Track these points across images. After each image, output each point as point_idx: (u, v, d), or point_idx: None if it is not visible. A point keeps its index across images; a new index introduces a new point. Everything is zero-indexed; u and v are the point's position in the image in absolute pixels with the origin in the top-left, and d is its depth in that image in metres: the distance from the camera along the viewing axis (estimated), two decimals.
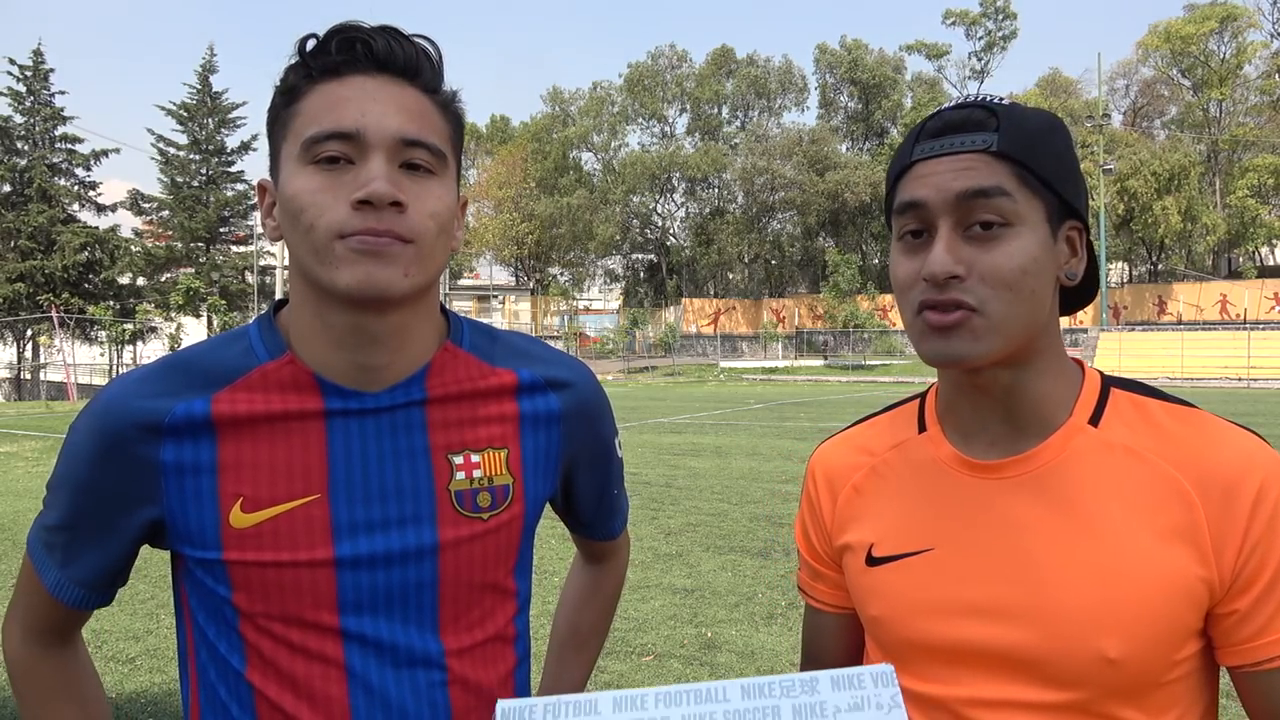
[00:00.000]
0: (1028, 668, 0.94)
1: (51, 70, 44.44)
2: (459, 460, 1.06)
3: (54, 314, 37.52)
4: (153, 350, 41.10)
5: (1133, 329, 42.00)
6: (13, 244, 42.34)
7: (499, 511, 1.08)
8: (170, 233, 46.98)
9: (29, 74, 43.72)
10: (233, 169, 48.49)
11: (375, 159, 0.95)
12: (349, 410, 1.03)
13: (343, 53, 0.97)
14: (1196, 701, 0.97)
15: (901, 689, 0.89)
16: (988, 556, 1.00)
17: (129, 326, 39.14)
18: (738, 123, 58.69)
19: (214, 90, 47.89)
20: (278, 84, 1.01)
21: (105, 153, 45.67)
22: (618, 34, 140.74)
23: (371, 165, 0.94)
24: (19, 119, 43.74)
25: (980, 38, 54.88)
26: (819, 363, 45.67)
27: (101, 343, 40.87)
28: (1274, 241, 49.11)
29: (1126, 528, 0.94)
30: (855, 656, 1.19)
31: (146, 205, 47.48)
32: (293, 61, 0.99)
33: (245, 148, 48.60)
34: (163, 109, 47.49)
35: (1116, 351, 36.93)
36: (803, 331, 49.54)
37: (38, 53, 44.11)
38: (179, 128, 47.80)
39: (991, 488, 1.02)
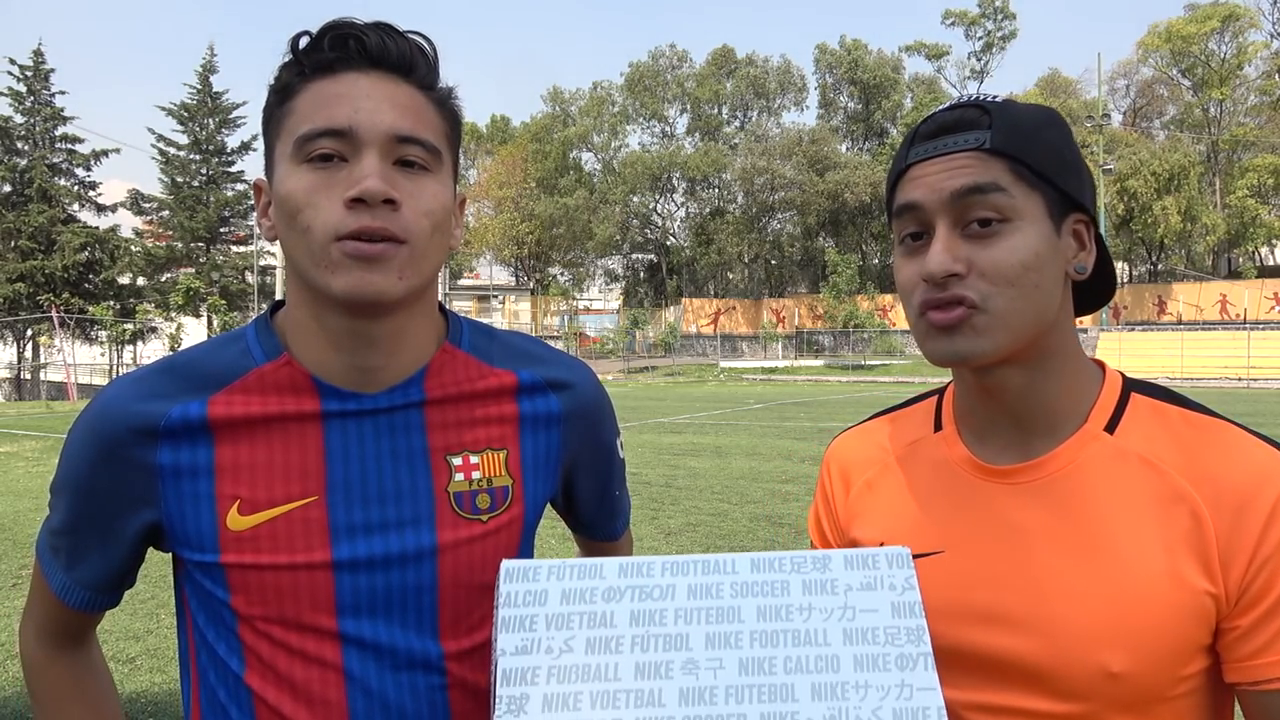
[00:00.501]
0: (1030, 677, 0.93)
1: (52, 70, 44.45)
2: (458, 462, 1.05)
3: (54, 314, 37.49)
4: (153, 350, 41.07)
5: (1132, 329, 41.99)
6: (13, 244, 42.32)
7: (498, 513, 1.07)
8: (170, 233, 46.96)
9: (29, 74, 43.70)
10: (233, 169, 48.48)
11: (368, 156, 0.94)
12: (346, 412, 1.02)
13: (335, 49, 0.96)
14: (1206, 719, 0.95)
15: None
16: (995, 563, 0.99)
17: (129, 326, 39.12)
18: (737, 123, 58.67)
19: (214, 90, 47.87)
20: (271, 83, 1.00)
21: (105, 153, 45.66)
22: (618, 34, 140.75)
23: (364, 162, 0.93)
24: (19, 119, 43.73)
25: (980, 38, 54.87)
26: (819, 363, 45.65)
27: (102, 343, 40.85)
28: (1274, 241, 49.07)
29: (1135, 540, 0.92)
30: None
31: (147, 205, 47.47)
32: (286, 59, 0.99)
33: (246, 148, 48.56)
34: (163, 109, 47.56)
35: (1116, 351, 36.87)
36: (803, 331, 49.50)
37: (38, 53, 44.10)
38: (179, 128, 47.79)
39: (1002, 492, 1.01)
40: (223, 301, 41.47)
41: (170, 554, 1.07)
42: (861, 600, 0.87)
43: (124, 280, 46.18)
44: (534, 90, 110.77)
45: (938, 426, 1.11)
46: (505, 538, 1.08)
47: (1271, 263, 51.19)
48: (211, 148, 48.02)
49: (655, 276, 59.88)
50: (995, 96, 0.98)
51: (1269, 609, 0.88)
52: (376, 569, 1.01)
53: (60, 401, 29.85)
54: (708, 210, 55.70)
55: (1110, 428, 0.98)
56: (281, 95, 0.98)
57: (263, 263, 44.87)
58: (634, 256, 60.91)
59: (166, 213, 47.18)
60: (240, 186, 48.59)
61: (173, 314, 40.44)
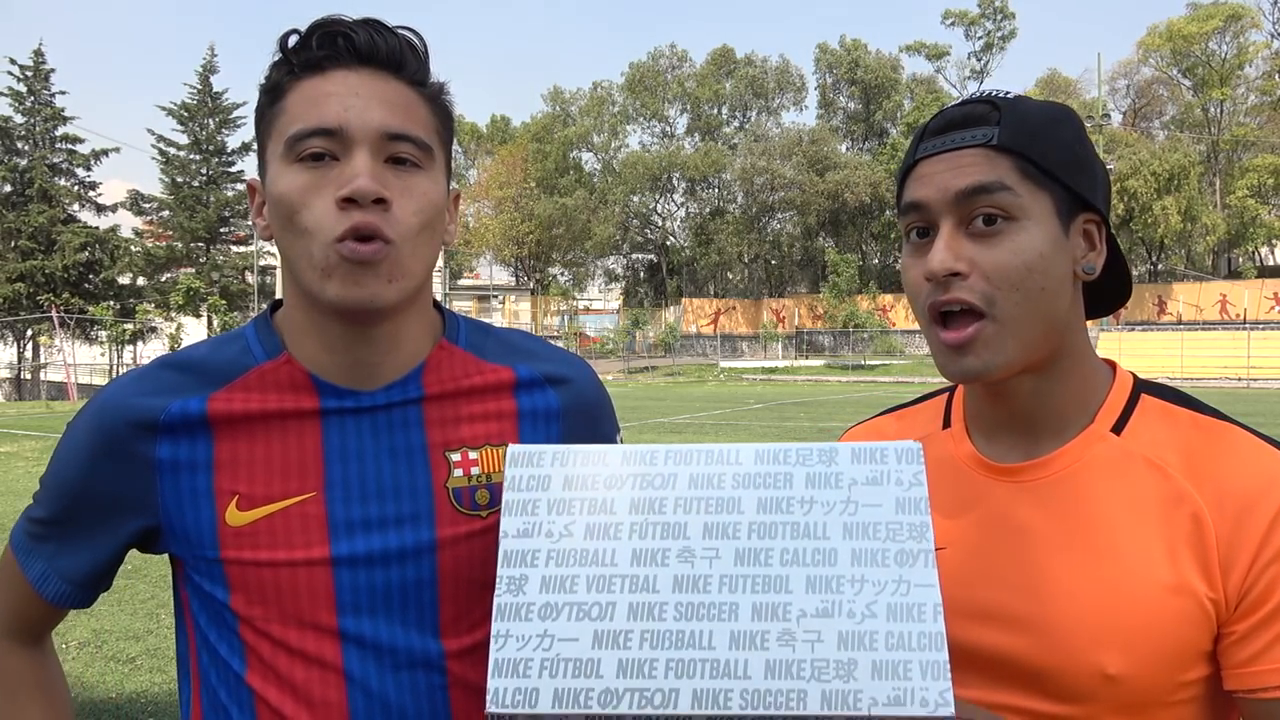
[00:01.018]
0: (1029, 677, 0.93)
1: (52, 70, 44.38)
2: (456, 458, 1.05)
3: (54, 314, 37.50)
4: (153, 350, 41.03)
5: (1132, 329, 41.98)
6: (13, 244, 42.28)
7: (497, 509, 1.06)
8: (170, 233, 46.90)
9: (29, 74, 43.66)
10: (233, 169, 48.43)
11: (359, 155, 0.93)
12: (345, 409, 1.02)
13: (324, 47, 0.96)
14: None
15: None
16: (997, 561, 0.98)
17: (129, 326, 39.10)
18: (736, 123, 58.63)
19: (214, 90, 47.82)
20: (262, 79, 1.00)
21: (105, 153, 45.62)
22: (618, 34, 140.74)
23: (355, 161, 0.93)
24: (19, 119, 43.70)
25: (979, 38, 54.84)
26: (819, 363, 45.62)
27: (102, 343, 40.81)
28: (1274, 241, 49.06)
29: (1135, 542, 0.91)
30: None
31: (147, 205, 47.43)
32: (275, 58, 0.98)
33: (246, 148, 48.46)
34: (163, 109, 47.45)
35: (1116, 352, 36.83)
36: (803, 331, 49.48)
37: (38, 53, 44.06)
38: (179, 128, 47.74)
39: (1007, 491, 1.00)
40: (223, 301, 41.42)
41: (168, 557, 1.06)
42: (865, 495, 0.86)
43: (124, 280, 46.14)
44: (534, 90, 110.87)
45: (946, 424, 1.11)
46: None
47: (1271, 263, 51.16)
48: (211, 148, 47.97)
49: (655, 276, 59.86)
50: (1008, 92, 0.96)
51: (1267, 615, 0.87)
52: (376, 565, 1.01)
53: (60, 401, 29.84)
54: (707, 210, 55.67)
55: (1118, 429, 0.97)
56: (272, 95, 0.98)
57: (263, 263, 44.81)
58: (634, 256, 60.90)
59: (166, 213, 47.13)
60: (240, 186, 48.48)
61: (173, 314, 40.42)
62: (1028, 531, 0.97)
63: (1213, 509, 0.89)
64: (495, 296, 56.07)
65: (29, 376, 40.98)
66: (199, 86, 47.59)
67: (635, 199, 54.80)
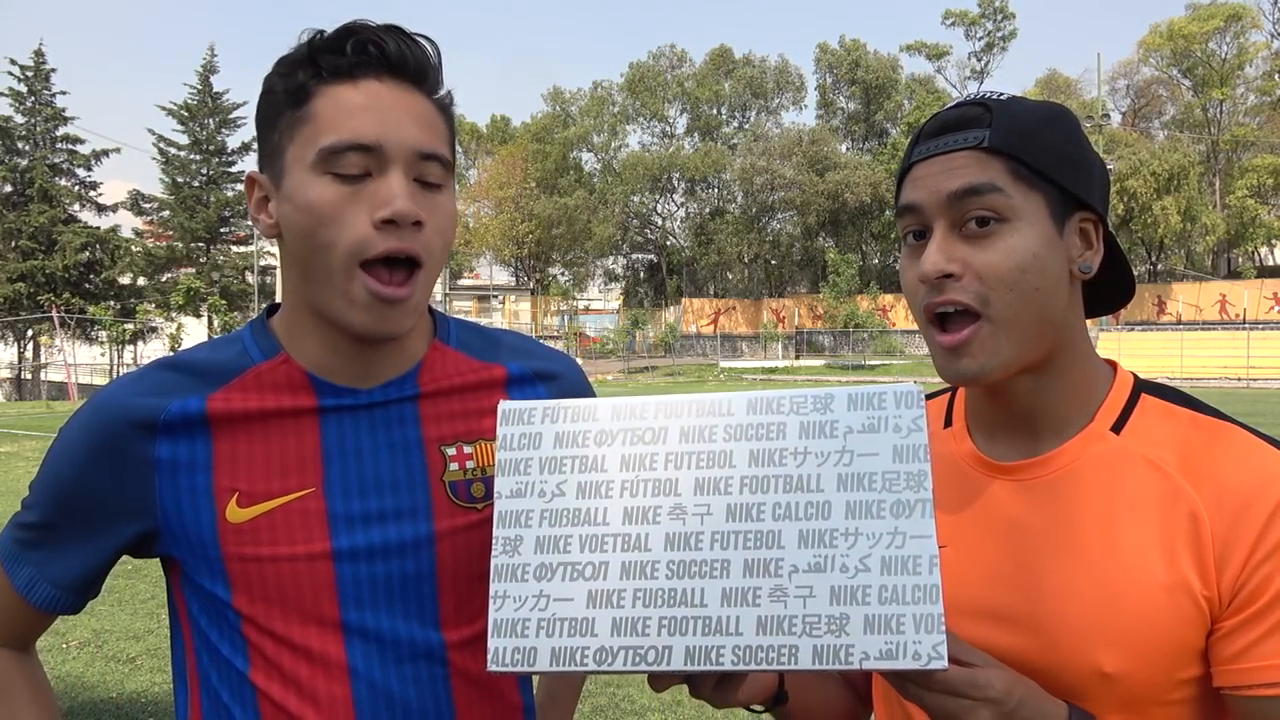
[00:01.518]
0: (1026, 675, 0.92)
1: (53, 71, 44.39)
2: (452, 452, 1.08)
3: (54, 314, 37.51)
4: (153, 350, 41.06)
5: (1132, 329, 41.97)
6: (14, 244, 42.29)
7: (493, 502, 1.09)
8: (171, 233, 46.89)
9: (30, 74, 43.67)
10: (233, 169, 48.39)
11: (395, 174, 0.95)
12: (343, 407, 1.04)
13: (357, 54, 0.96)
14: None
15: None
16: (996, 559, 0.99)
17: (129, 326, 39.13)
18: (736, 123, 58.62)
19: (214, 90, 47.81)
20: (278, 75, 0.99)
21: (106, 153, 45.65)
22: (618, 34, 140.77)
23: (392, 181, 0.94)
24: (20, 119, 43.71)
25: (980, 38, 54.83)
26: (819, 362, 45.60)
27: (102, 343, 40.83)
28: (1274, 241, 49.02)
29: (1133, 541, 0.91)
30: None
31: (147, 205, 47.43)
32: (298, 57, 0.97)
33: (246, 148, 48.43)
34: (163, 109, 47.45)
35: (1116, 351, 36.82)
36: (803, 331, 49.47)
37: (39, 53, 44.06)
38: (179, 128, 47.73)
39: (1006, 489, 1.01)
40: (223, 301, 41.43)
41: (163, 561, 1.07)
42: (861, 443, 0.84)
43: (124, 280, 46.14)
44: (534, 90, 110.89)
45: (948, 423, 1.11)
46: None
47: (1271, 263, 51.16)
48: (211, 148, 47.96)
49: (655, 276, 59.86)
50: (1002, 94, 0.97)
51: (1257, 612, 0.86)
52: (376, 558, 1.02)
53: (60, 401, 29.85)
54: (707, 210, 55.66)
55: (1117, 428, 0.98)
56: (295, 97, 0.97)
57: (263, 263, 44.80)
58: (634, 256, 60.89)
59: (167, 213, 47.11)
60: (240, 187, 48.30)
61: (173, 314, 40.44)
62: (1026, 530, 0.98)
63: (1210, 507, 0.89)
64: (495, 297, 56.07)
65: (29, 376, 41.00)
66: (199, 86, 47.58)
67: (635, 199, 54.78)
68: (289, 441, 1.02)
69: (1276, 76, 49.66)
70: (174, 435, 1.00)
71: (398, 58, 0.97)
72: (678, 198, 57.28)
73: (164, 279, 46.09)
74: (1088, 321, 1.05)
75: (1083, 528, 0.95)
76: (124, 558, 1.08)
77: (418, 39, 1.00)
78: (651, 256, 60.32)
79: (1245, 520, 0.87)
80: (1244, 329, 38.13)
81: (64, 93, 57.50)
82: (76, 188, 45.17)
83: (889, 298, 47.80)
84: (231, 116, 47.98)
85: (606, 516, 0.86)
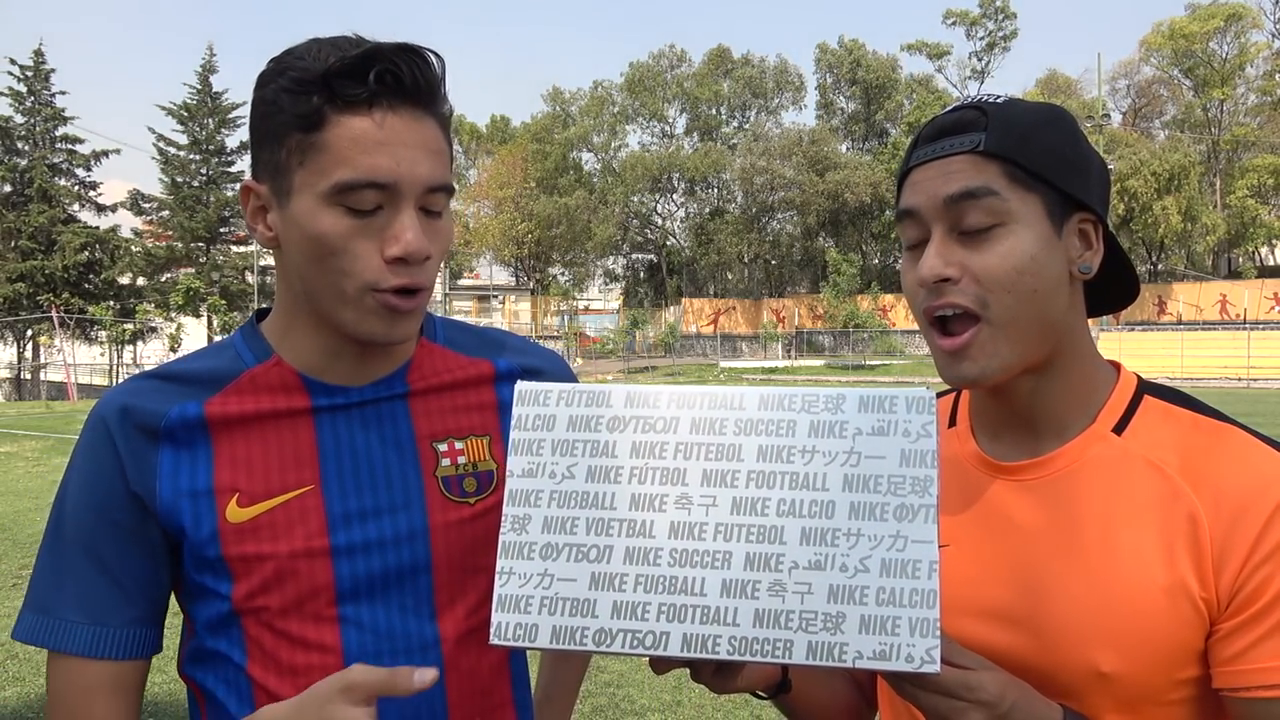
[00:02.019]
0: (1024, 675, 0.93)
1: (52, 70, 44.41)
2: (443, 448, 1.10)
3: (54, 314, 37.53)
4: (153, 350, 41.10)
5: (1132, 329, 41.99)
6: (13, 244, 42.30)
7: (485, 496, 1.10)
8: (170, 233, 46.89)
9: (30, 74, 43.69)
10: (233, 169, 48.41)
11: (406, 211, 0.96)
12: (336, 406, 1.06)
13: (375, 83, 0.94)
14: None
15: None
16: (996, 558, 0.99)
17: (129, 326, 39.14)
18: (736, 123, 58.64)
19: (214, 90, 47.83)
20: (285, 91, 0.95)
21: (105, 153, 45.65)
22: (618, 34, 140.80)
23: (403, 218, 0.96)
24: (20, 119, 43.73)
25: (981, 38, 54.84)
26: (819, 362, 45.63)
27: (102, 343, 40.86)
28: (1274, 241, 49.08)
29: (1132, 542, 0.92)
30: None
31: (147, 205, 47.44)
32: (310, 78, 0.94)
33: (245, 148, 48.05)
34: (163, 109, 47.41)
35: (1116, 352, 36.85)
36: (803, 331, 49.50)
37: (38, 53, 44.08)
38: (179, 128, 47.74)
39: (1008, 489, 1.01)
40: (223, 301, 41.42)
41: None
42: (869, 445, 0.84)
43: (124, 280, 46.15)
44: (534, 90, 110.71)
45: (952, 422, 1.12)
46: (493, 520, 1.09)
47: (1271, 263, 51.20)
48: (211, 148, 47.98)
49: (655, 277, 59.90)
50: (999, 97, 0.98)
51: (1255, 614, 0.86)
52: (373, 553, 1.04)
53: (60, 401, 29.86)
54: (707, 210, 55.69)
55: (1119, 429, 0.98)
56: (308, 121, 0.94)
57: (262, 263, 44.84)
58: (634, 257, 60.95)
59: (166, 213, 47.12)
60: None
61: (173, 314, 40.43)
62: (1027, 530, 0.98)
63: (1208, 509, 0.90)
64: (495, 297, 56.12)
65: (29, 376, 41.02)
66: (199, 86, 47.60)
67: (635, 199, 54.81)
68: (285, 441, 1.04)
69: (1277, 76, 49.67)
70: (175, 440, 1.02)
71: (412, 85, 0.96)
72: (678, 198, 57.33)
73: (164, 279, 46.09)
74: (1088, 322, 1.05)
75: (1082, 528, 0.95)
76: (169, 583, 1.07)
77: (427, 56, 0.98)
78: (651, 256, 60.37)
79: (1243, 522, 0.88)
80: (1244, 329, 38.15)
81: (64, 93, 57.56)
82: (76, 188, 45.18)
83: (889, 298, 47.82)
84: (231, 116, 47.95)
85: (614, 501, 0.87)
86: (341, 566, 1.02)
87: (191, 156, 47.84)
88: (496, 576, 0.87)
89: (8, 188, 43.09)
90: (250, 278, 46.13)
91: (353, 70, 0.94)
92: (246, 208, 1.04)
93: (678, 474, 0.87)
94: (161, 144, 47.38)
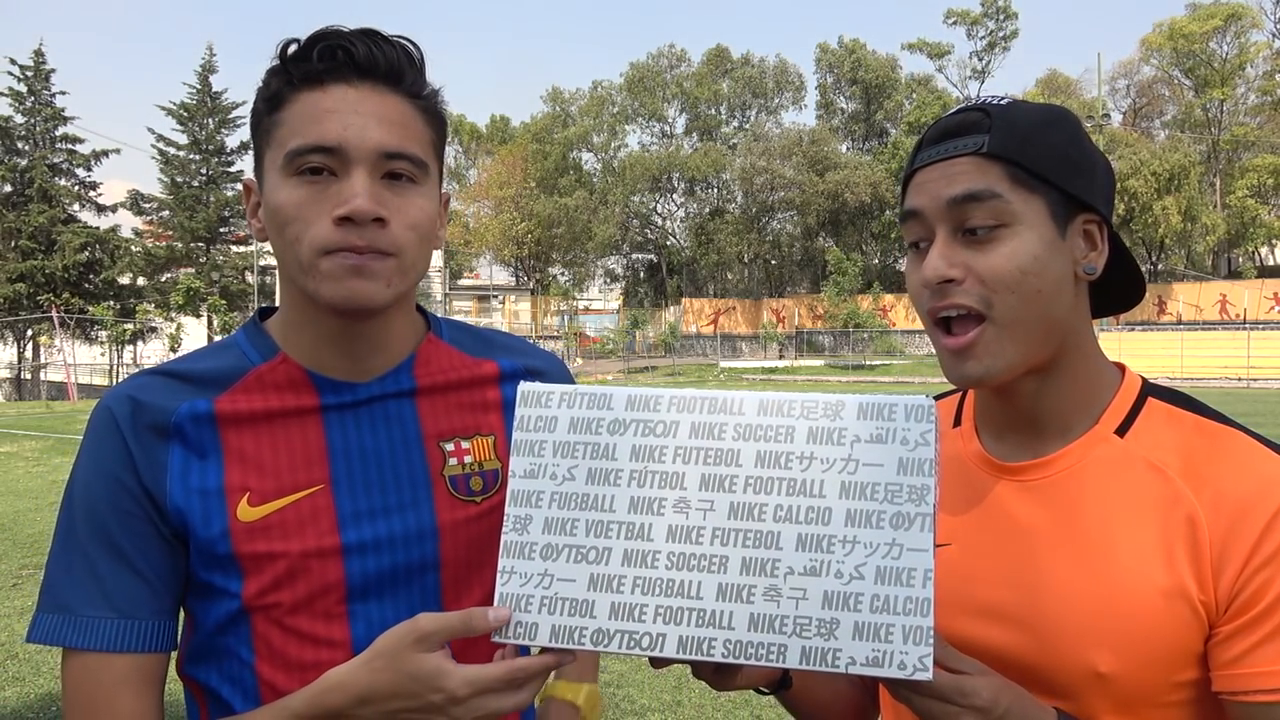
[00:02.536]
0: (1023, 674, 0.94)
1: (53, 70, 44.30)
2: (450, 447, 1.11)
3: (54, 314, 37.49)
4: (153, 350, 41.07)
5: (1132, 329, 41.97)
6: (13, 244, 42.24)
7: (490, 495, 1.12)
8: (170, 233, 46.86)
9: (30, 74, 43.62)
10: (233, 169, 48.37)
11: (357, 174, 0.96)
12: (344, 404, 1.07)
13: (324, 60, 0.97)
14: None
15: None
16: (997, 558, 1.00)
17: (129, 326, 39.09)
18: (735, 123, 58.61)
19: (214, 90, 47.78)
20: (261, 84, 1.02)
21: (105, 153, 45.54)
22: (618, 34, 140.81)
23: (354, 180, 0.96)
24: (20, 119, 43.64)
25: (981, 38, 54.80)
26: (819, 362, 45.60)
27: (102, 343, 40.79)
28: (1274, 241, 49.04)
29: (1131, 543, 0.92)
30: None
31: (147, 205, 47.38)
32: (274, 66, 1.00)
33: (245, 148, 48.24)
34: (163, 109, 47.37)
35: (1116, 352, 36.84)
36: (803, 331, 49.47)
37: (39, 53, 44.00)
38: (179, 128, 47.68)
39: (1010, 489, 1.01)
40: (223, 301, 41.35)
41: None
42: (867, 453, 0.85)
43: (124, 280, 46.07)
44: (534, 90, 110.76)
45: (957, 422, 1.12)
46: (498, 519, 1.10)
47: (1271, 263, 51.17)
48: (211, 148, 47.94)
49: (655, 276, 59.86)
50: (1003, 98, 0.98)
51: (1254, 618, 0.87)
52: (383, 551, 1.05)
53: (60, 401, 29.84)
54: (707, 210, 55.63)
55: (1121, 431, 0.98)
56: (271, 104, 1.00)
57: (262, 263, 44.79)
58: (634, 256, 60.87)
59: (166, 213, 47.08)
60: (240, 187, 48.02)
61: (173, 314, 40.37)
62: (1028, 530, 0.98)
63: (1208, 511, 0.90)
64: (495, 296, 56.10)
65: (29, 376, 40.99)
66: (198, 86, 47.54)
67: (635, 199, 54.77)
68: (295, 440, 1.05)
69: (1277, 76, 49.65)
70: (185, 438, 1.02)
71: (366, 61, 0.98)
72: (678, 198, 57.29)
73: (164, 279, 46.04)
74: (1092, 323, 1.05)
75: (1083, 529, 0.95)
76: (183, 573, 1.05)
77: (393, 40, 1.01)
78: (651, 256, 60.32)
79: (1243, 527, 0.88)
80: (1244, 329, 38.13)
81: (64, 93, 57.42)
82: (76, 188, 45.10)
83: (890, 297, 47.81)
84: (230, 116, 47.92)
85: (613, 504, 0.88)
86: (352, 564, 1.03)
87: (191, 156, 47.79)
88: (499, 575, 0.89)
89: (8, 188, 43.03)
90: (250, 277, 46.08)
91: (304, 50, 0.98)
92: (247, 205, 1.07)
93: (676, 478, 0.87)
94: (161, 144, 47.34)
